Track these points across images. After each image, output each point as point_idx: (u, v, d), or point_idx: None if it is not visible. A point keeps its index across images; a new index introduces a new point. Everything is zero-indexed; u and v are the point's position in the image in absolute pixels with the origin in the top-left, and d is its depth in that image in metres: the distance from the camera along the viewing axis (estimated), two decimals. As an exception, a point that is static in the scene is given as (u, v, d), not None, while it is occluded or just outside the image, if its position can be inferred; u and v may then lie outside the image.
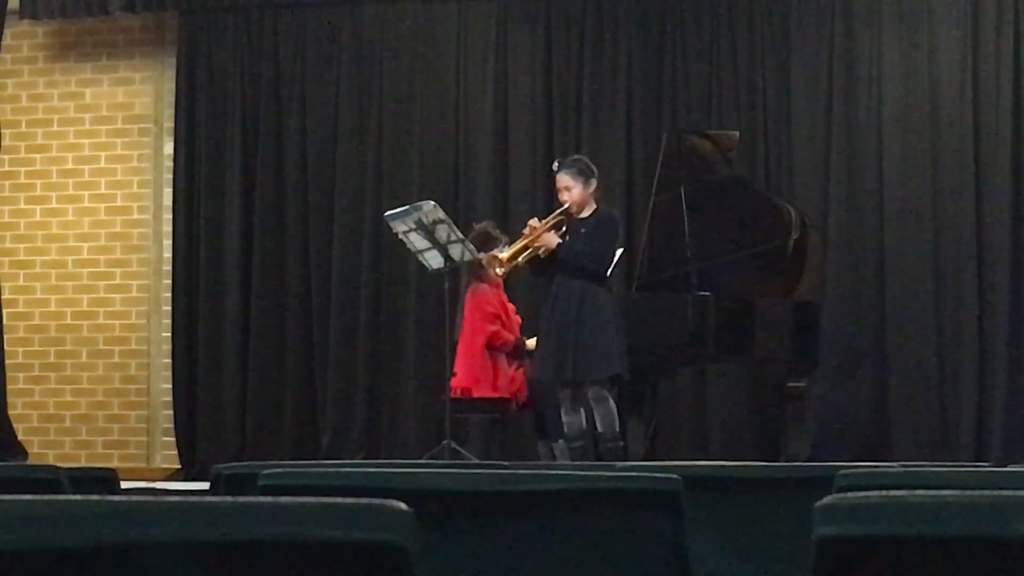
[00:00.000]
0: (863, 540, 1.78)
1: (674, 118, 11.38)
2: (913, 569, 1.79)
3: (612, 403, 8.98)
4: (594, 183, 9.03)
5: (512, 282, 10.01)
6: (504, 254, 9.03)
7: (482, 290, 9.78)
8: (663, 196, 9.85)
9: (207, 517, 1.64)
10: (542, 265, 9.02)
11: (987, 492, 1.74)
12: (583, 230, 8.94)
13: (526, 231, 8.98)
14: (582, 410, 9.04)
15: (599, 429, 9.01)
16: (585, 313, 8.82)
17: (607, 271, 9.10)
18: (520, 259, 8.97)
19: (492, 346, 9.75)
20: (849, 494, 1.80)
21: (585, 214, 9.00)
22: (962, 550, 1.76)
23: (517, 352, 9.79)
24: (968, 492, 1.74)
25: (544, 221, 8.99)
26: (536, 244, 8.94)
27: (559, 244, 8.90)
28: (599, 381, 8.92)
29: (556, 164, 9.23)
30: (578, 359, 8.81)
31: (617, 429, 9.01)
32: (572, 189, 8.96)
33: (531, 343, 9.57)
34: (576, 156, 9.48)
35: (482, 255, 9.53)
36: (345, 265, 11.79)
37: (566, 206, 8.96)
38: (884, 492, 1.77)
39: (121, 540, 1.61)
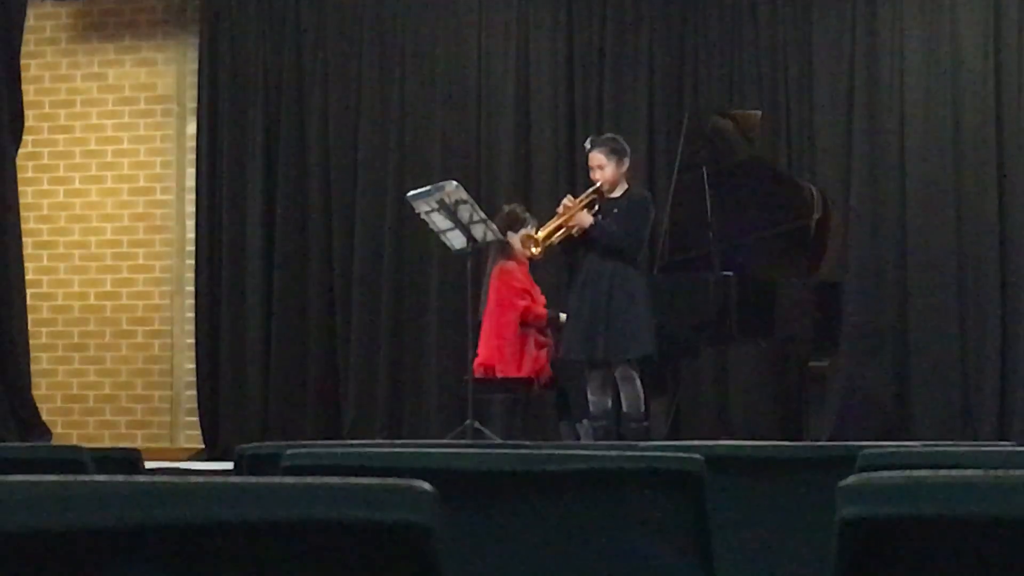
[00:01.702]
0: (886, 520, 1.78)
1: (696, 98, 11.36)
2: (937, 549, 1.79)
3: (639, 383, 8.96)
4: (627, 162, 9.02)
5: (535, 261, 9.99)
6: (540, 234, 8.99)
7: (509, 267, 9.77)
8: (685, 176, 9.84)
9: (230, 497, 1.64)
10: (574, 244, 8.99)
11: (1010, 472, 1.74)
12: (615, 210, 8.91)
13: (560, 209, 8.95)
14: (609, 390, 9.03)
15: (624, 409, 9.00)
16: (616, 293, 8.80)
17: (639, 251, 9.07)
18: (555, 238, 8.94)
19: (525, 321, 9.72)
20: (872, 474, 1.79)
21: (616, 194, 8.98)
22: (985, 530, 1.76)
23: (550, 326, 9.76)
24: (991, 472, 1.74)
25: (578, 200, 8.96)
26: (570, 223, 8.90)
27: (593, 223, 8.87)
28: (628, 361, 8.90)
29: (589, 142, 9.19)
30: (609, 339, 8.79)
31: (642, 409, 9.00)
32: (605, 167, 8.94)
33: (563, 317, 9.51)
34: (610, 134, 9.43)
35: (511, 235, 9.54)
36: (367, 245, 11.80)
37: (598, 184, 8.94)
38: (907, 472, 1.77)
39: (145, 520, 1.62)
